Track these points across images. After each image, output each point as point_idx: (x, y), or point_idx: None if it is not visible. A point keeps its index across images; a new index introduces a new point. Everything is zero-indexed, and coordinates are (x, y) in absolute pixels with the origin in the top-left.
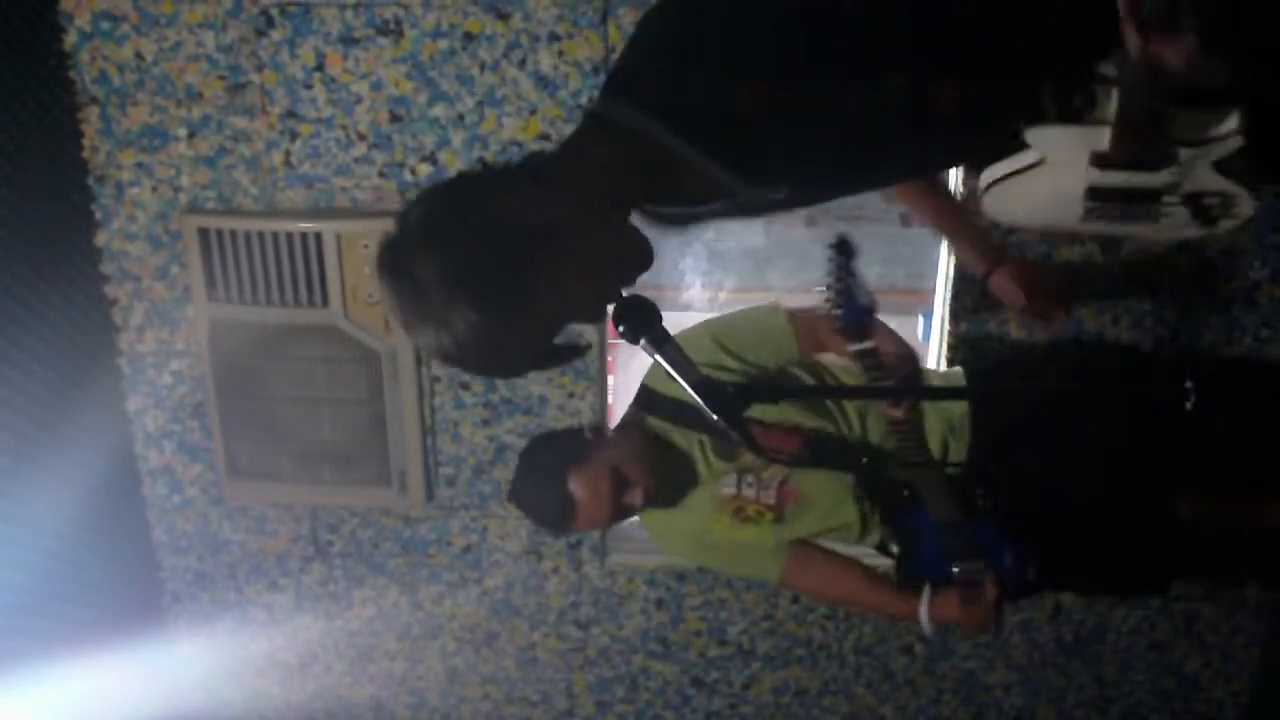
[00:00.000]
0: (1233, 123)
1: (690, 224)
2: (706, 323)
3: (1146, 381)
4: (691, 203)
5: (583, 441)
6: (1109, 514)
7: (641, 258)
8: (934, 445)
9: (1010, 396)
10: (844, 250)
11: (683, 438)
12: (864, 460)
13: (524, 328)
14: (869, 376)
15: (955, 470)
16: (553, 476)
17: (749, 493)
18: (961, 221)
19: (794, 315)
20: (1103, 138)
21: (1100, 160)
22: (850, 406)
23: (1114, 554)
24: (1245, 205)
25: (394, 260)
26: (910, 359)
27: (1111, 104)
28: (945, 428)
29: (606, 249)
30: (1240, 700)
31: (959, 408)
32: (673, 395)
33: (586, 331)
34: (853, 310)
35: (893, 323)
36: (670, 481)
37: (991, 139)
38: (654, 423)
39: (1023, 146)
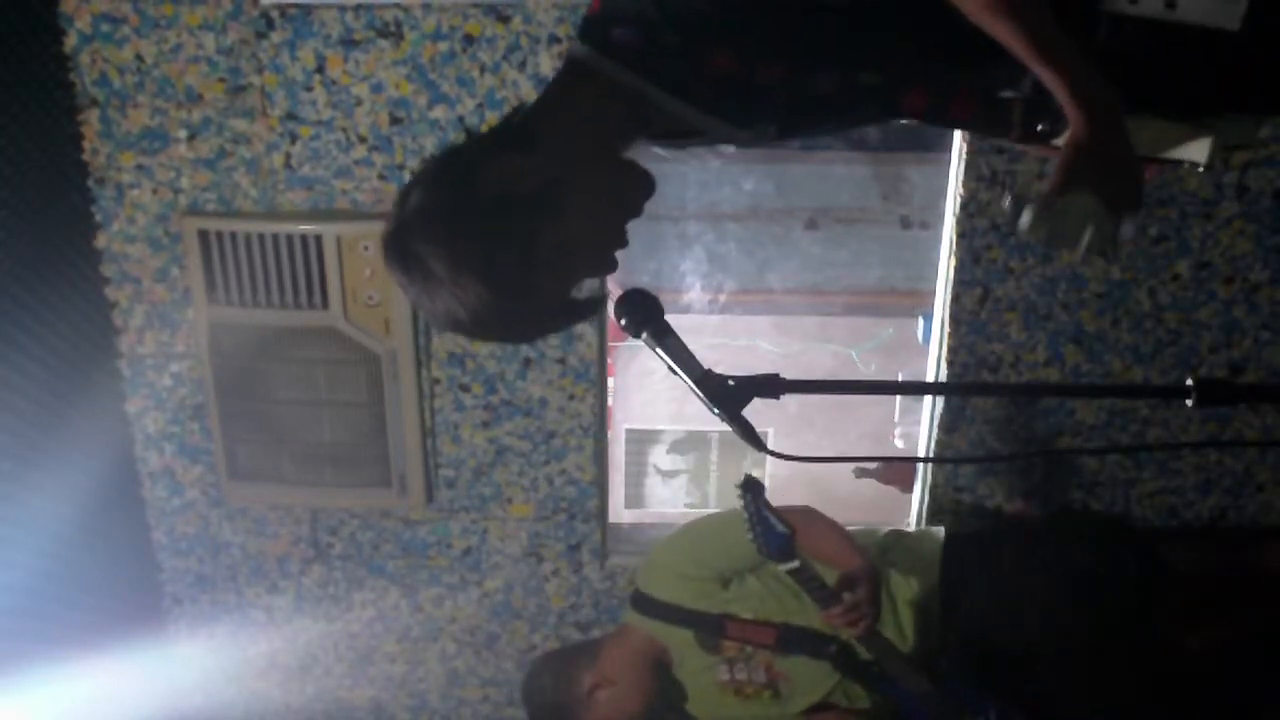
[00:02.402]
0: (1202, 152)
1: (681, 150)
2: (673, 548)
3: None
4: (679, 137)
5: (580, 692)
6: (1088, 660)
7: (643, 186)
8: (908, 630)
9: (983, 557)
10: (751, 489)
11: (673, 634)
12: (833, 648)
13: (536, 295)
14: (810, 590)
15: (922, 649)
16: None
17: (742, 676)
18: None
19: None
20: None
21: None
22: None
23: (1098, 699)
24: None
25: (399, 249)
26: (862, 569)
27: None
28: (916, 613)
29: (606, 194)
30: None
31: (928, 590)
32: (660, 599)
33: (587, 333)
34: (773, 540)
35: (892, 325)
36: (668, 692)
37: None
38: (647, 623)
39: None
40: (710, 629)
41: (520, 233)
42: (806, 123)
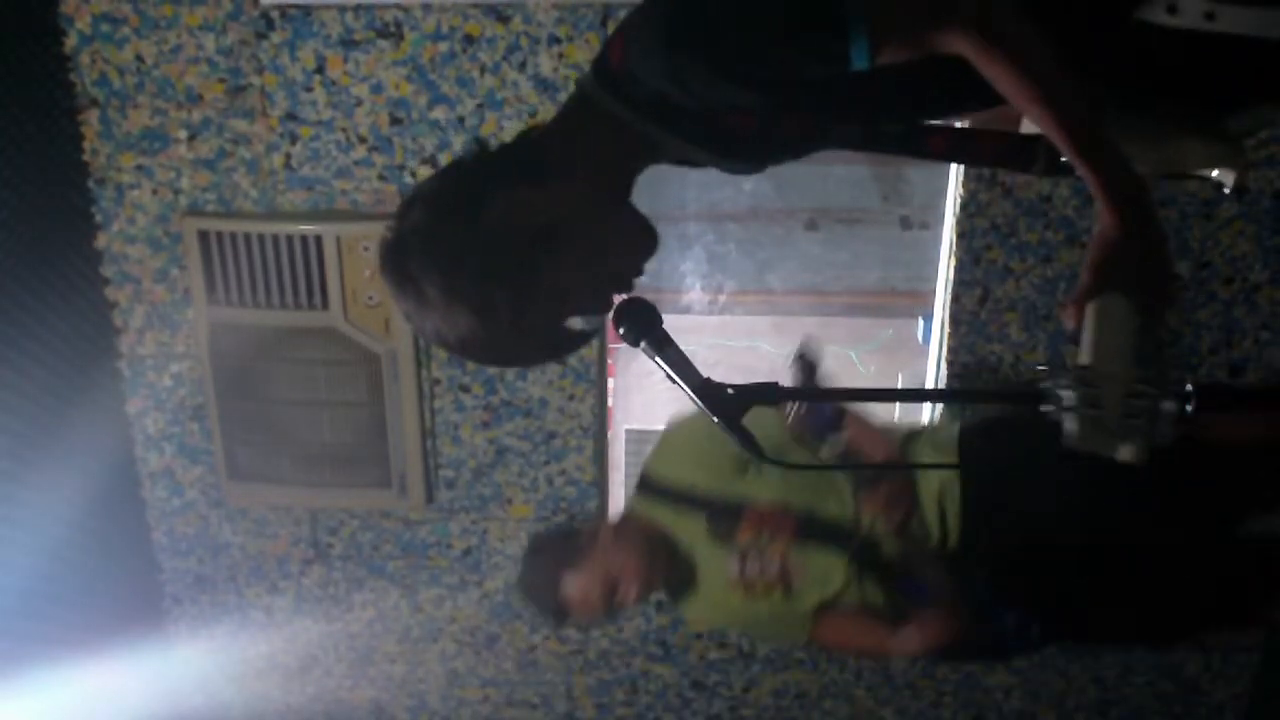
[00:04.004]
0: (1229, 176)
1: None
2: (690, 429)
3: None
4: (688, 164)
5: (578, 545)
6: (1109, 562)
7: (644, 242)
8: (930, 517)
9: (1003, 448)
10: (806, 365)
11: (682, 522)
12: (855, 539)
13: (527, 331)
14: (848, 473)
15: (948, 545)
16: (548, 581)
17: (753, 569)
18: None
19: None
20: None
21: None
22: (845, 486)
23: (1120, 602)
24: None
25: (395, 265)
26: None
27: None
28: (937, 500)
29: (609, 240)
30: (1240, 704)
31: (948, 484)
32: (671, 481)
33: None
34: (820, 418)
35: (892, 325)
36: (673, 574)
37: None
38: (654, 509)
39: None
40: (725, 514)
41: (518, 272)
42: (826, 150)
